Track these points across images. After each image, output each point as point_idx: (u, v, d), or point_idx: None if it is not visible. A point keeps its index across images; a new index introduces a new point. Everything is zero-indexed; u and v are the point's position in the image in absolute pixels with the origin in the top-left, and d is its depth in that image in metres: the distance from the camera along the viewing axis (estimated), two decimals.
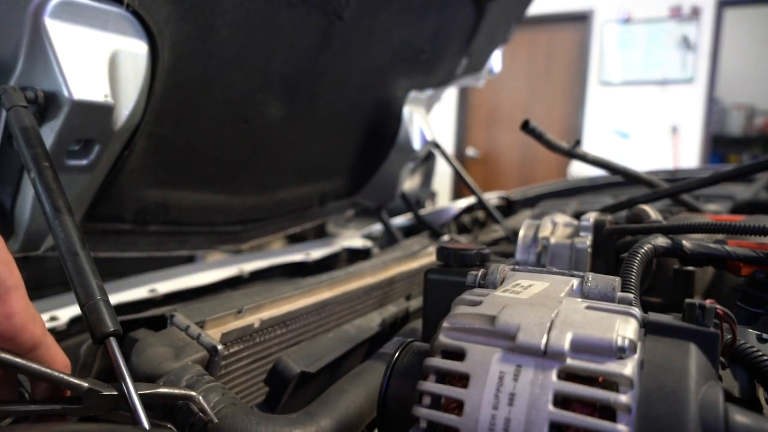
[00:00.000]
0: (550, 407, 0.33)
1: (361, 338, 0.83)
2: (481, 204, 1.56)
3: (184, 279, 1.12)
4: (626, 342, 0.34)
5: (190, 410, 0.51)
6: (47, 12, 0.61)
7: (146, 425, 0.46)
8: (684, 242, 0.66)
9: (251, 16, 0.84)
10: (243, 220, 1.22)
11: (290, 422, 0.53)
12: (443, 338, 0.39)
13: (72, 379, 0.42)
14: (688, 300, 0.40)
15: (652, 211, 0.82)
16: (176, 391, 0.50)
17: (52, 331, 0.84)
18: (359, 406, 0.60)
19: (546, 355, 0.35)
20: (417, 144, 1.48)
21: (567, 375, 0.34)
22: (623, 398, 0.32)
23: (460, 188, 6.22)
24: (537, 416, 0.33)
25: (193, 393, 0.50)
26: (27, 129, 0.59)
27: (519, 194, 1.90)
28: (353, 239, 1.63)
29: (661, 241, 0.65)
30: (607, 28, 5.74)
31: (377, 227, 1.72)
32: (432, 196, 5.49)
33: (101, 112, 0.69)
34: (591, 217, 0.79)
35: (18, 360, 0.39)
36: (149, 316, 0.69)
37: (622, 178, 1.23)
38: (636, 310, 0.38)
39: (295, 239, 1.72)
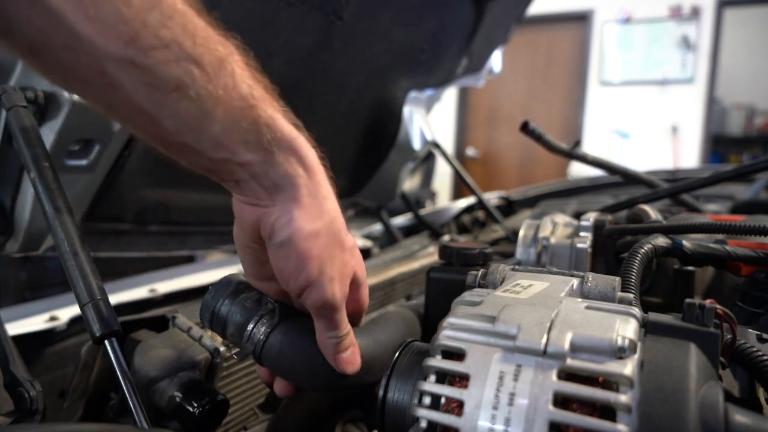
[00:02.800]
0: (550, 407, 0.33)
1: None
2: (481, 204, 1.56)
3: (184, 279, 1.12)
4: (626, 342, 0.34)
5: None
6: None
7: (146, 425, 0.46)
8: (684, 242, 0.65)
9: (251, 16, 0.84)
10: None
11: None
12: (443, 338, 0.39)
13: None
14: (688, 300, 0.40)
15: (652, 211, 0.82)
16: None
17: (52, 331, 0.84)
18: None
19: (546, 355, 0.35)
20: (417, 144, 1.48)
21: (567, 375, 0.34)
22: (623, 398, 0.32)
23: (460, 188, 6.22)
24: (537, 416, 0.33)
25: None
26: (27, 129, 0.59)
27: (519, 194, 1.90)
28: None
29: (661, 241, 0.65)
30: (607, 28, 5.74)
31: (377, 227, 1.72)
32: (432, 196, 5.49)
33: None
34: (591, 217, 0.79)
35: None
36: (150, 317, 0.69)
37: (621, 178, 1.23)
38: (636, 310, 0.38)
39: None
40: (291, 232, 0.43)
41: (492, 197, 1.82)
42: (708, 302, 0.40)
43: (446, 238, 1.44)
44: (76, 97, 0.65)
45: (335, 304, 0.46)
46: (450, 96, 6.30)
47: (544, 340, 0.35)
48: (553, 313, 0.37)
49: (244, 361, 0.70)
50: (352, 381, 0.51)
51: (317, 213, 0.45)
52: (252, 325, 0.49)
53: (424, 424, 0.37)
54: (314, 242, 0.44)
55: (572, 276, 0.49)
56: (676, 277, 0.74)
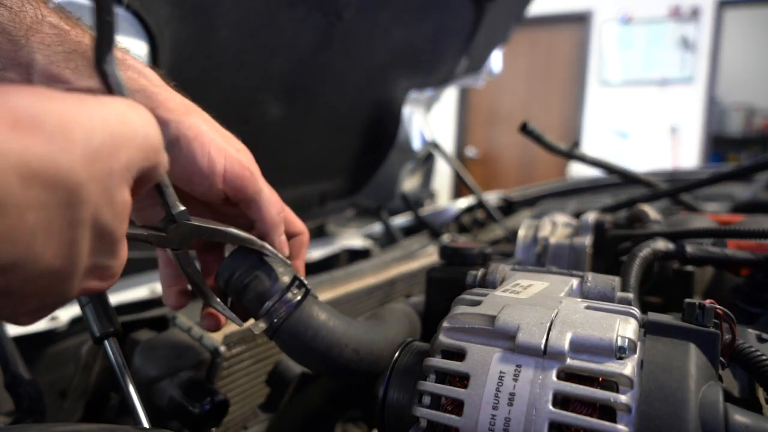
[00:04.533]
0: (550, 407, 0.33)
1: None
2: (481, 204, 1.56)
3: None
4: (626, 342, 0.34)
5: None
6: None
7: (146, 425, 0.46)
8: (684, 246, 0.65)
9: (251, 16, 0.84)
10: None
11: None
12: (443, 338, 0.39)
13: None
14: (687, 300, 0.41)
15: (651, 211, 0.82)
16: (245, 234, 0.48)
17: (53, 331, 0.84)
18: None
19: (546, 355, 0.35)
20: (416, 144, 1.48)
21: (567, 375, 0.34)
22: (623, 398, 0.32)
23: (460, 188, 6.21)
24: (537, 416, 0.33)
25: (257, 239, 0.49)
26: None
27: (519, 194, 1.90)
28: (353, 239, 1.63)
29: (661, 244, 0.65)
30: (606, 28, 5.73)
31: (377, 227, 1.72)
32: (431, 196, 5.49)
33: None
34: (591, 216, 0.79)
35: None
36: (151, 317, 0.69)
37: (620, 178, 1.23)
38: (635, 310, 0.38)
39: None
40: (181, 132, 0.44)
41: (492, 197, 1.82)
42: (708, 302, 0.40)
43: (446, 238, 1.44)
44: None
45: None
46: (450, 96, 6.30)
47: (543, 340, 0.35)
48: (552, 313, 0.37)
49: (243, 361, 0.70)
50: (360, 372, 0.51)
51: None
52: (274, 300, 0.48)
53: (424, 423, 0.37)
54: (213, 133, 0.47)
55: (572, 276, 0.49)
56: (675, 277, 0.74)
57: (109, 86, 0.37)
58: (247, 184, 0.48)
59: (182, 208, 0.43)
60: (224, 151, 0.47)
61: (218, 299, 0.49)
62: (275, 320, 0.48)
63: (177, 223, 0.43)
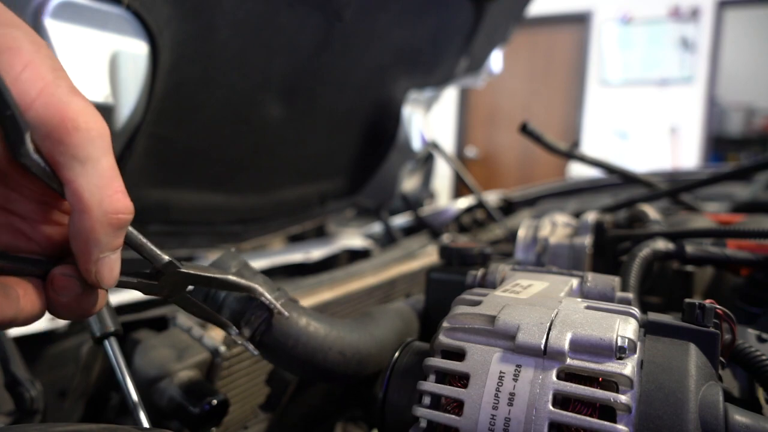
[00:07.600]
0: (550, 407, 0.33)
1: None
2: (481, 204, 1.56)
3: None
4: (626, 342, 0.34)
5: (248, 305, 0.48)
6: (48, 12, 0.61)
7: (146, 425, 0.46)
8: (684, 246, 0.65)
9: (251, 16, 0.84)
10: (243, 220, 1.22)
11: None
12: (443, 338, 0.39)
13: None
14: (687, 300, 0.41)
15: (651, 211, 0.82)
16: (242, 281, 0.45)
17: (53, 331, 0.84)
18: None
19: (546, 355, 0.35)
20: (416, 144, 1.48)
21: (567, 375, 0.34)
22: (623, 398, 0.32)
23: (460, 188, 6.22)
24: (537, 416, 0.33)
25: (257, 286, 0.46)
26: None
27: (519, 194, 1.90)
28: (353, 239, 1.63)
29: (661, 244, 0.65)
30: (606, 28, 5.74)
31: (377, 227, 1.72)
32: (431, 196, 5.49)
33: (101, 112, 0.69)
34: (591, 216, 0.79)
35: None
36: (151, 317, 0.69)
37: (620, 179, 1.23)
38: (635, 310, 0.38)
39: (295, 238, 1.72)
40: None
41: (492, 197, 1.82)
42: (708, 302, 0.40)
43: (446, 238, 1.44)
44: None
45: None
46: (450, 96, 6.31)
47: (543, 340, 0.35)
48: (552, 313, 0.37)
49: (244, 361, 0.70)
50: (349, 374, 0.51)
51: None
52: (250, 314, 0.47)
53: (423, 423, 0.37)
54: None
55: (572, 276, 0.49)
56: (675, 277, 0.74)
57: (35, 175, 0.31)
58: (63, 140, 0.31)
59: (167, 258, 0.40)
60: (47, 82, 0.31)
61: (234, 328, 0.48)
62: (254, 333, 0.47)
63: (168, 273, 0.41)
